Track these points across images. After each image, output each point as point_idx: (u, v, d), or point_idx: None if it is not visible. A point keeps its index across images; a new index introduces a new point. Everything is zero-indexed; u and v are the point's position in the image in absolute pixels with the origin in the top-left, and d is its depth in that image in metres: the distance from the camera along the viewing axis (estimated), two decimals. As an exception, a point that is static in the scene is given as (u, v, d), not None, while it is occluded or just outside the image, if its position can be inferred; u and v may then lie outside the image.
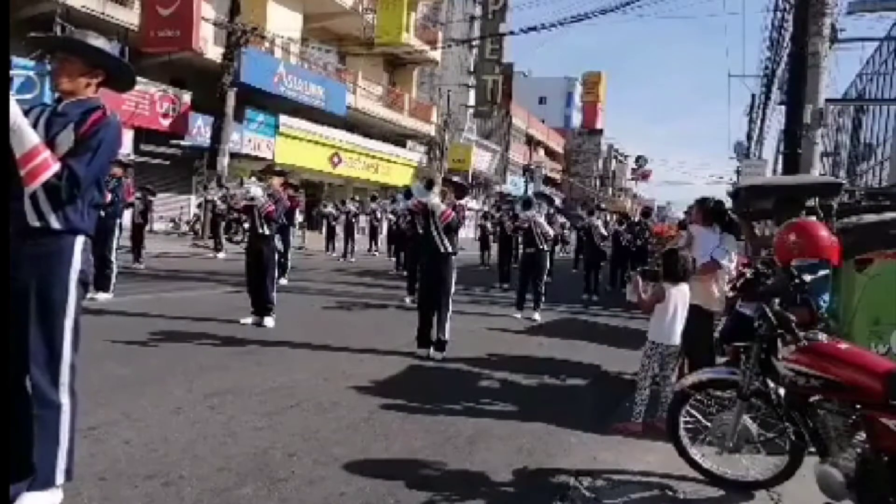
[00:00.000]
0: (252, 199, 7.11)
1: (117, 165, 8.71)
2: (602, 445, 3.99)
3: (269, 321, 7.11)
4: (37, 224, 2.46)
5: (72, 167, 2.45)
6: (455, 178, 7.11)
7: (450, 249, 6.21)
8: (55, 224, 2.49)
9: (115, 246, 8.47)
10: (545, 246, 9.39)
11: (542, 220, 9.29)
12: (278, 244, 7.67)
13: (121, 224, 9.07)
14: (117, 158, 9.33)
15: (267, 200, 7.11)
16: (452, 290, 6.33)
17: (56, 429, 2.51)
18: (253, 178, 8.11)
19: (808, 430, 2.92)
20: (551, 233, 9.74)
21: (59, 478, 2.52)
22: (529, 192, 10.74)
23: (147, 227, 13.24)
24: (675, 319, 4.34)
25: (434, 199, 6.20)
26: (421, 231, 6.54)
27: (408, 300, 9.63)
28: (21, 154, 2.35)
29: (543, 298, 9.44)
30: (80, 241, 2.57)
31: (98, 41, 2.62)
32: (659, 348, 4.35)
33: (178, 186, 21.83)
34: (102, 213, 8.25)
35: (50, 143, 2.46)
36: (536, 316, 9.15)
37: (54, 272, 2.50)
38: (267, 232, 7.16)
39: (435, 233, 6.19)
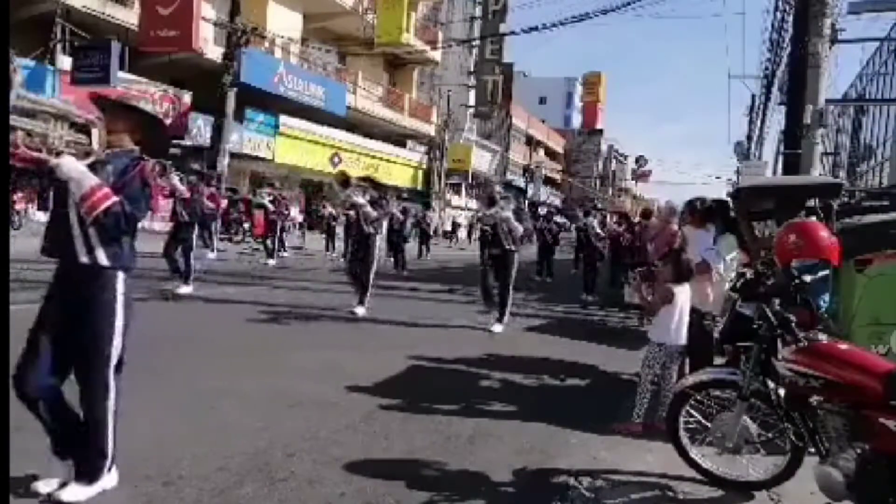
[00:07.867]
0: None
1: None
2: (602, 445, 3.99)
3: (185, 289, 8.73)
4: None
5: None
6: (367, 175, 9.69)
7: (372, 231, 8.39)
8: None
9: None
10: (513, 246, 8.06)
11: (508, 215, 8.04)
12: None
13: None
14: None
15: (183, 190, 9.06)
16: (374, 266, 8.49)
17: None
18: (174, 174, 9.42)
19: (808, 430, 2.92)
20: (520, 230, 8.21)
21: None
22: (495, 188, 10.10)
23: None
24: (682, 320, 4.33)
25: (359, 199, 8.28)
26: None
27: (407, 300, 9.64)
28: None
29: (510, 306, 8.16)
30: None
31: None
32: (664, 349, 4.31)
33: (177, 186, 21.80)
34: None
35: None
36: (497, 328, 7.80)
37: None
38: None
39: (362, 220, 8.40)
